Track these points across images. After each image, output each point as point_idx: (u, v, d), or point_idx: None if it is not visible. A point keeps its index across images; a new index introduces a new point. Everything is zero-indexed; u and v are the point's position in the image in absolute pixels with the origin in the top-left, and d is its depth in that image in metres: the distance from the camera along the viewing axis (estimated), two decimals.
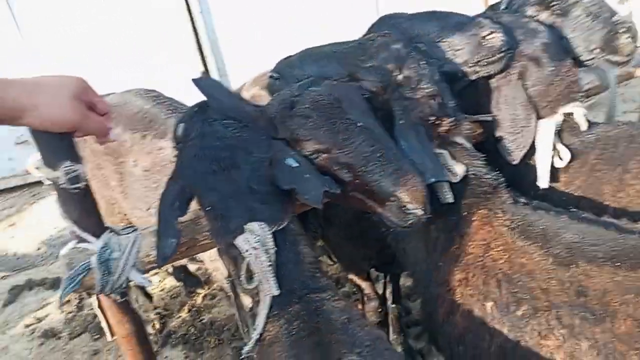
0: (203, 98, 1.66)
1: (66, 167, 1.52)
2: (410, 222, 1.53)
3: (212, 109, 1.61)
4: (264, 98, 2.92)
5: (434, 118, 1.67)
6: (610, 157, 1.94)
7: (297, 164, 1.55)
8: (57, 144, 1.51)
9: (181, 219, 1.61)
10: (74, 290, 1.61)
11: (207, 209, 1.50)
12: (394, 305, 3.03)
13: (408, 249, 1.87)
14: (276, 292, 1.43)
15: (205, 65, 5.41)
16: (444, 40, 1.82)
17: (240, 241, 1.44)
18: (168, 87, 4.97)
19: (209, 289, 4.11)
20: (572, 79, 1.96)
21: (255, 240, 1.43)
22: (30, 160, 1.68)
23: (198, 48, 5.33)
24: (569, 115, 1.96)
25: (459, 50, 1.81)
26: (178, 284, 4.13)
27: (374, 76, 1.67)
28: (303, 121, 1.57)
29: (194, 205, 1.62)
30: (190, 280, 4.09)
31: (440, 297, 1.77)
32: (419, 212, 1.52)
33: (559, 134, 1.95)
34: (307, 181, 1.52)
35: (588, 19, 2.01)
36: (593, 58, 2.06)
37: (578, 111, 1.95)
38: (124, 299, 1.77)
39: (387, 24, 1.91)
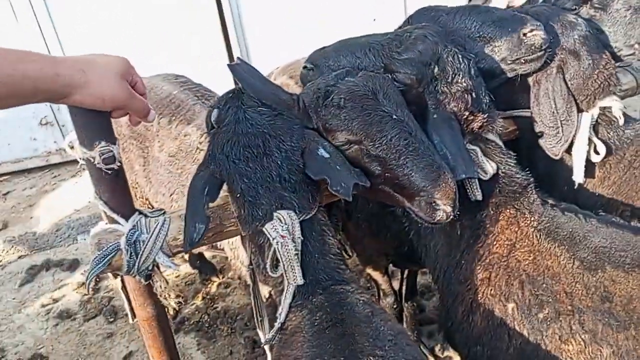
0: (230, 86, 1.67)
1: (102, 147, 1.54)
2: (438, 218, 1.53)
3: (246, 96, 1.63)
4: (292, 87, 2.93)
5: (467, 113, 1.67)
6: None
7: (329, 155, 1.56)
8: (94, 124, 1.53)
9: (210, 204, 1.64)
10: (101, 271, 1.64)
11: (237, 195, 1.51)
12: (409, 302, 3.03)
13: (430, 245, 1.87)
14: (301, 281, 1.45)
15: (229, 51, 5.44)
16: (484, 35, 1.81)
17: (268, 228, 1.46)
18: (194, 73, 5.06)
19: (223, 277, 4.14)
20: (610, 72, 1.94)
21: (284, 229, 1.45)
22: (66, 139, 1.70)
23: (224, 35, 5.36)
24: (605, 109, 1.95)
25: (498, 46, 1.80)
26: (193, 271, 4.17)
27: (409, 68, 1.67)
28: (337, 111, 1.58)
29: (222, 191, 1.64)
30: (205, 268, 4.12)
31: (460, 295, 1.77)
32: (448, 209, 1.52)
33: (595, 128, 1.94)
34: (338, 173, 1.53)
35: (628, 13, 1.98)
36: (633, 53, 2.03)
37: (616, 105, 1.93)
38: (147, 282, 1.80)
39: (426, 16, 1.90)
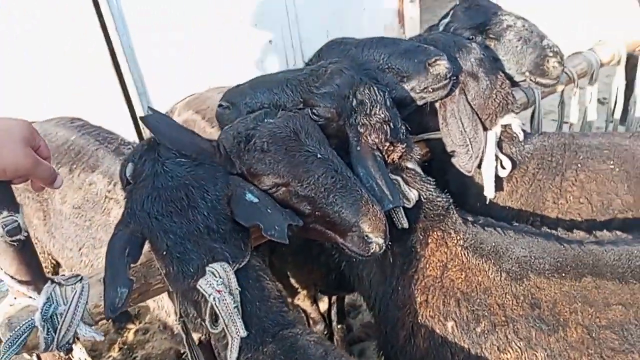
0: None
1: (5, 217, 1.39)
2: (372, 251, 1.54)
3: (162, 147, 1.54)
4: (199, 123, 2.85)
5: (388, 144, 1.70)
6: (549, 166, 2.08)
7: (258, 199, 1.52)
8: None
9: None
10: (15, 353, 1.47)
11: (164, 253, 1.42)
12: (339, 326, 3.04)
13: (363, 275, 1.88)
14: (244, 333, 1.39)
15: (123, 84, 5.19)
16: (392, 66, 1.87)
17: (203, 284, 1.39)
18: (83, 109, 4.76)
19: (140, 323, 3.91)
20: (507, 91, 2.08)
21: (219, 283, 1.38)
22: None
23: (114, 67, 5.10)
24: (506, 126, 2.08)
25: (406, 77, 1.86)
26: (104, 320, 3.89)
27: (329, 102, 1.68)
28: (261, 155, 1.54)
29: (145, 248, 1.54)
30: (119, 315, 3.86)
31: (400, 320, 1.79)
32: (380, 241, 1.54)
33: (498, 144, 2.06)
34: (270, 216, 1.50)
35: (519, 43, 2.15)
36: (524, 80, 2.19)
37: (515, 122, 2.07)
38: (68, 355, 1.64)
39: (336, 50, 1.93)
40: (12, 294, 1.55)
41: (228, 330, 1.39)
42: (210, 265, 1.41)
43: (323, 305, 3.09)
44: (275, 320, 1.44)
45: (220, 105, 1.85)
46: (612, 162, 2.01)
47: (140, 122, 5.39)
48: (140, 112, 5.38)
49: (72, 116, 2.79)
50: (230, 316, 1.37)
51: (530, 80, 2.19)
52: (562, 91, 2.77)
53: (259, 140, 1.56)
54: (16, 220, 1.40)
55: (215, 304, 1.36)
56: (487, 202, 2.08)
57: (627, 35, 2.93)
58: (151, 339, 3.77)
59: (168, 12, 5.29)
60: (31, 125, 1.37)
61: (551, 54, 2.13)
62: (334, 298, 3.00)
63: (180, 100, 3.31)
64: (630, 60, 2.94)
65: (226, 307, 1.37)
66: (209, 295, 1.36)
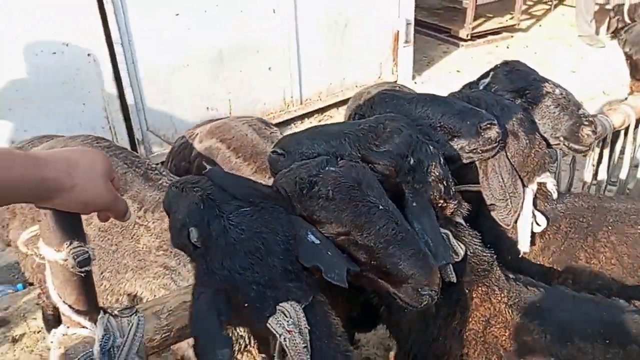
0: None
1: (75, 247, 1.38)
2: (425, 303, 1.59)
3: (216, 201, 1.52)
4: (224, 151, 2.86)
5: (442, 201, 1.76)
6: (580, 226, 2.18)
7: (319, 241, 1.55)
8: (66, 222, 1.38)
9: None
10: None
11: (246, 304, 1.42)
12: None
13: (403, 320, 1.91)
14: None
15: (123, 99, 5.16)
16: (444, 125, 1.94)
17: (273, 324, 1.40)
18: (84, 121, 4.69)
19: None
20: (544, 151, 2.18)
21: (289, 323, 1.40)
22: (22, 237, 1.50)
23: (116, 81, 5.07)
24: (542, 184, 2.17)
25: (457, 136, 1.93)
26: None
27: (388, 160, 1.73)
28: (325, 203, 1.57)
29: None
30: None
31: None
32: (434, 294, 1.58)
33: (533, 202, 2.14)
34: (330, 259, 1.52)
35: (557, 110, 2.26)
36: (558, 144, 2.30)
37: (550, 180, 2.17)
38: None
39: (389, 103, 1.99)
40: (65, 323, 1.53)
41: None
42: (280, 304, 1.42)
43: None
44: (342, 356, 1.47)
45: (274, 152, 1.87)
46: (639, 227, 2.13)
47: (136, 139, 5.41)
48: (137, 128, 5.35)
49: (96, 135, 2.77)
50: (299, 355, 1.38)
51: (564, 145, 2.30)
52: None
53: (324, 188, 1.59)
54: (87, 252, 1.40)
55: (285, 344, 1.37)
56: (520, 256, 2.15)
57: (635, 101, 3.11)
58: None
59: (174, 29, 5.31)
60: (109, 160, 1.38)
61: (586, 123, 2.25)
62: None
63: (198, 126, 3.32)
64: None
65: (295, 346, 1.38)
66: (280, 335, 1.38)
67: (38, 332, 3.82)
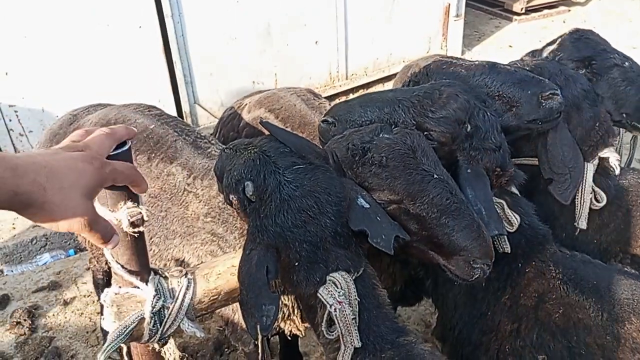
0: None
1: (130, 208, 1.40)
2: (476, 276, 1.55)
3: (274, 157, 1.54)
4: (270, 121, 2.85)
5: (498, 169, 1.70)
6: None
7: (369, 205, 1.53)
8: None
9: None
10: (123, 343, 1.48)
11: (296, 263, 1.42)
12: None
13: (449, 295, 1.88)
14: (358, 344, 1.40)
15: (172, 71, 5.23)
16: (503, 95, 1.87)
17: (324, 294, 1.40)
18: (134, 94, 4.78)
19: None
20: (608, 125, 2.08)
21: (340, 294, 1.39)
22: None
23: (166, 55, 5.13)
24: (604, 159, 2.07)
25: (517, 106, 1.86)
26: None
27: (444, 127, 1.68)
28: (378, 170, 1.54)
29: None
30: None
31: (483, 345, 1.79)
32: (486, 267, 1.54)
33: (593, 177, 2.05)
34: (378, 224, 1.50)
35: (624, 84, 2.14)
36: (620, 120, 2.18)
37: (613, 156, 2.07)
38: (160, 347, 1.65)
39: (445, 71, 1.93)
40: (116, 283, 1.57)
41: (343, 340, 1.40)
42: (331, 274, 1.41)
43: None
44: (391, 327, 1.46)
45: (324, 121, 1.84)
46: None
47: (183, 111, 5.49)
48: (185, 101, 5.43)
49: (148, 104, 2.81)
50: (348, 327, 1.38)
51: (626, 122, 2.18)
52: None
53: (377, 155, 1.56)
54: (140, 212, 1.42)
55: (335, 314, 1.37)
56: (576, 233, 2.07)
57: None
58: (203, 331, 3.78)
59: (223, 2, 5.32)
60: (100, 175, 1.17)
61: None
62: None
63: (247, 97, 3.32)
64: None
65: (345, 318, 1.38)
66: (330, 306, 1.37)
67: (88, 296, 3.97)
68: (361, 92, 6.70)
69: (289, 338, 2.75)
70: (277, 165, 1.50)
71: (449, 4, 6.91)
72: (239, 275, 1.46)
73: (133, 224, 1.40)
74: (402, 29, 6.70)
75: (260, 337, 1.39)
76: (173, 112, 5.37)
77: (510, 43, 7.94)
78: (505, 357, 1.73)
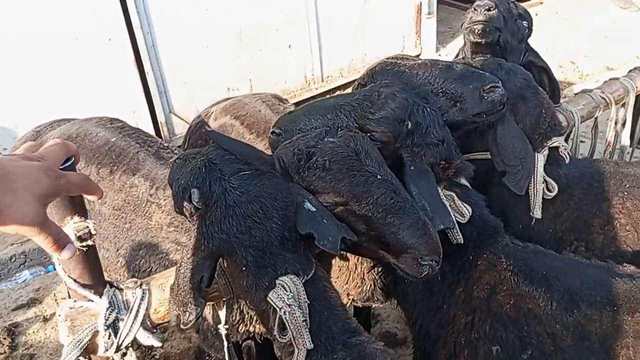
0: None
1: (76, 222, 1.42)
2: (425, 273, 1.57)
3: (219, 164, 1.56)
4: (237, 128, 2.88)
5: (443, 162, 1.74)
6: (595, 192, 2.11)
7: (315, 209, 1.55)
8: (67, 199, 1.41)
9: None
10: (77, 356, 1.50)
11: (243, 269, 1.45)
12: None
13: (408, 290, 1.91)
14: (310, 346, 1.43)
15: (145, 82, 5.22)
16: (446, 91, 1.90)
17: (273, 297, 1.42)
18: (108, 106, 4.78)
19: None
20: (553, 112, 2.12)
21: (289, 297, 1.42)
22: None
23: (137, 66, 5.13)
24: (553, 149, 2.11)
25: (460, 101, 1.89)
26: None
27: (385, 127, 1.71)
28: (322, 174, 1.57)
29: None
30: None
31: (442, 338, 1.82)
32: (434, 264, 1.57)
33: (544, 167, 2.08)
34: (325, 226, 1.52)
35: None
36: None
37: (562, 145, 2.11)
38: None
39: (390, 72, 1.96)
40: (72, 297, 1.58)
41: (295, 342, 1.42)
42: (280, 278, 1.44)
43: None
44: (343, 328, 1.48)
45: (272, 132, 1.86)
46: None
47: (159, 121, 5.49)
48: (160, 111, 5.43)
49: (110, 117, 2.82)
50: (299, 329, 1.40)
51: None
52: (596, 117, 2.81)
53: (321, 158, 1.58)
54: (87, 226, 1.43)
55: (285, 317, 1.40)
56: (531, 224, 2.10)
57: None
58: (170, 338, 3.79)
59: (193, 11, 5.33)
60: (53, 183, 1.18)
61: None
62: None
63: (214, 105, 3.34)
64: None
65: (295, 320, 1.40)
66: (280, 309, 1.40)
67: None
68: (338, 93, 6.73)
69: (260, 342, 2.77)
70: (223, 172, 1.53)
71: (420, 2, 6.97)
72: (176, 273, 1.49)
73: (80, 238, 1.42)
74: (375, 29, 6.74)
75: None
76: (148, 123, 5.38)
77: None
78: (461, 349, 1.76)
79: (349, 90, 6.65)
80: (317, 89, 6.49)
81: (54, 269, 4.32)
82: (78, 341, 1.48)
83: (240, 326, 2.03)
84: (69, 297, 3.45)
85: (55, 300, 4.09)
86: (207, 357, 3.60)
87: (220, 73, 5.71)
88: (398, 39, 7.07)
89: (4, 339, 3.78)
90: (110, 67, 5.01)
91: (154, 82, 5.30)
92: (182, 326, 1.46)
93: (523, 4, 8.37)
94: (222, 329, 1.86)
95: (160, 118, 5.47)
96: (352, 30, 6.56)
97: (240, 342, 2.39)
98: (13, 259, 4.47)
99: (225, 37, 5.62)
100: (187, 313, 1.44)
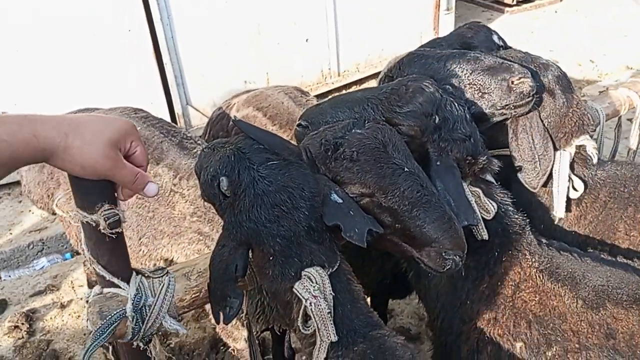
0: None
1: (106, 210, 1.43)
2: (448, 268, 1.57)
3: (248, 153, 1.56)
4: (260, 119, 2.89)
5: (470, 158, 1.73)
6: (621, 196, 2.08)
7: (342, 200, 1.55)
8: (96, 185, 1.42)
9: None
10: (105, 341, 1.52)
11: (270, 258, 1.45)
12: None
13: (431, 285, 1.90)
14: (335, 338, 1.43)
15: (163, 74, 5.25)
16: (474, 82, 1.89)
17: (299, 288, 1.42)
18: (126, 97, 4.81)
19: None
20: (582, 111, 2.09)
21: (315, 288, 1.42)
22: (56, 199, 1.56)
23: (156, 57, 5.16)
24: (580, 147, 2.09)
25: (488, 93, 1.88)
26: None
27: (412, 121, 1.70)
28: (349, 165, 1.57)
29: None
30: None
31: (464, 334, 1.82)
32: (458, 258, 1.56)
33: (570, 166, 2.06)
34: (351, 218, 1.52)
35: None
36: None
37: (589, 144, 2.08)
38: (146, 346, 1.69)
39: (417, 63, 1.95)
40: (100, 284, 1.60)
41: (319, 334, 1.42)
42: (306, 269, 1.44)
43: None
44: (364, 321, 1.48)
45: (299, 125, 1.86)
46: None
47: (176, 113, 5.52)
48: (177, 103, 5.46)
49: (134, 107, 2.84)
50: (324, 321, 1.41)
51: None
52: (620, 116, 2.78)
53: (348, 150, 1.58)
54: (117, 214, 1.45)
55: (310, 309, 1.40)
56: (554, 224, 2.09)
57: None
58: (185, 328, 3.82)
59: (212, 4, 5.34)
60: (130, 128, 1.32)
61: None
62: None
63: (235, 96, 3.35)
64: None
65: (320, 312, 1.40)
66: (305, 300, 1.40)
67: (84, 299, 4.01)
68: (354, 88, 6.72)
69: (278, 333, 2.79)
70: (252, 161, 1.53)
71: None
72: (210, 268, 1.49)
73: (110, 225, 1.44)
74: (393, 25, 6.72)
75: (229, 325, 1.45)
76: (166, 114, 5.41)
77: (502, 35, 7.93)
78: (484, 345, 1.76)
79: (365, 85, 6.72)
80: (333, 83, 6.49)
81: (71, 257, 4.41)
82: (107, 326, 1.49)
83: (261, 317, 2.04)
84: (88, 284, 3.52)
85: (73, 287, 4.14)
86: (222, 347, 3.61)
87: (237, 66, 5.73)
88: (416, 35, 7.04)
89: (22, 324, 3.83)
90: (130, 58, 5.04)
91: (172, 73, 5.34)
92: (224, 323, 1.46)
93: (544, 1, 8.26)
94: (244, 319, 1.87)
95: (178, 110, 5.50)
96: (369, 25, 6.54)
97: (259, 333, 2.41)
98: (31, 246, 4.52)
99: (243, 30, 5.63)
100: (228, 308, 1.45)
